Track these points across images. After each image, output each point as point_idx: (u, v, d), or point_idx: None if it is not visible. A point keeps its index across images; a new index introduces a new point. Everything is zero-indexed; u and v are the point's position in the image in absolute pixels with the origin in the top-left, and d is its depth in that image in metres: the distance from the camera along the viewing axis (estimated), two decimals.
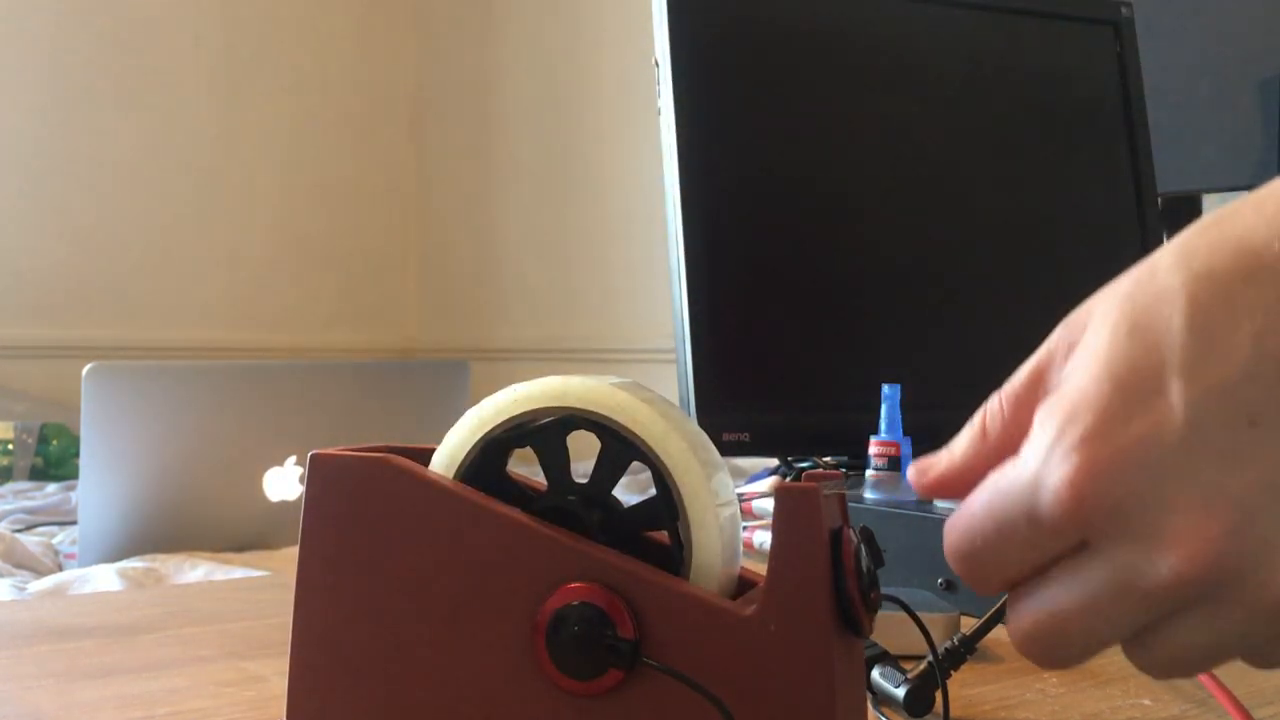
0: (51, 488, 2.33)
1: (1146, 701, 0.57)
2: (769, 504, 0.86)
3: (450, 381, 1.87)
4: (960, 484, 0.38)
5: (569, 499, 0.43)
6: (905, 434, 0.85)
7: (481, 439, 0.44)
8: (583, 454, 0.43)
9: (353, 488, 0.44)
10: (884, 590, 0.44)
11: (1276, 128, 1.53)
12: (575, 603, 0.41)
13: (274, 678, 0.60)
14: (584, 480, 0.44)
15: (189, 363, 2.90)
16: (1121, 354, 0.33)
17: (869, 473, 0.83)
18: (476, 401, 0.45)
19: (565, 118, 3.55)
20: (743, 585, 0.44)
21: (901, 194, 1.06)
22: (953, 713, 0.54)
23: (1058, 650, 0.35)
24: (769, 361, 1.00)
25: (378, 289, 3.91)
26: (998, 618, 0.52)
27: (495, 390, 0.44)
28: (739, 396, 0.96)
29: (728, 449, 0.93)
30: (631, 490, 1.52)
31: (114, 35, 3.49)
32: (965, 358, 1.05)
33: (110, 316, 3.46)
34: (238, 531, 1.66)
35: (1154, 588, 0.33)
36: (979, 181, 1.10)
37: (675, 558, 0.43)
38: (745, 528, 0.85)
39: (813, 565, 0.40)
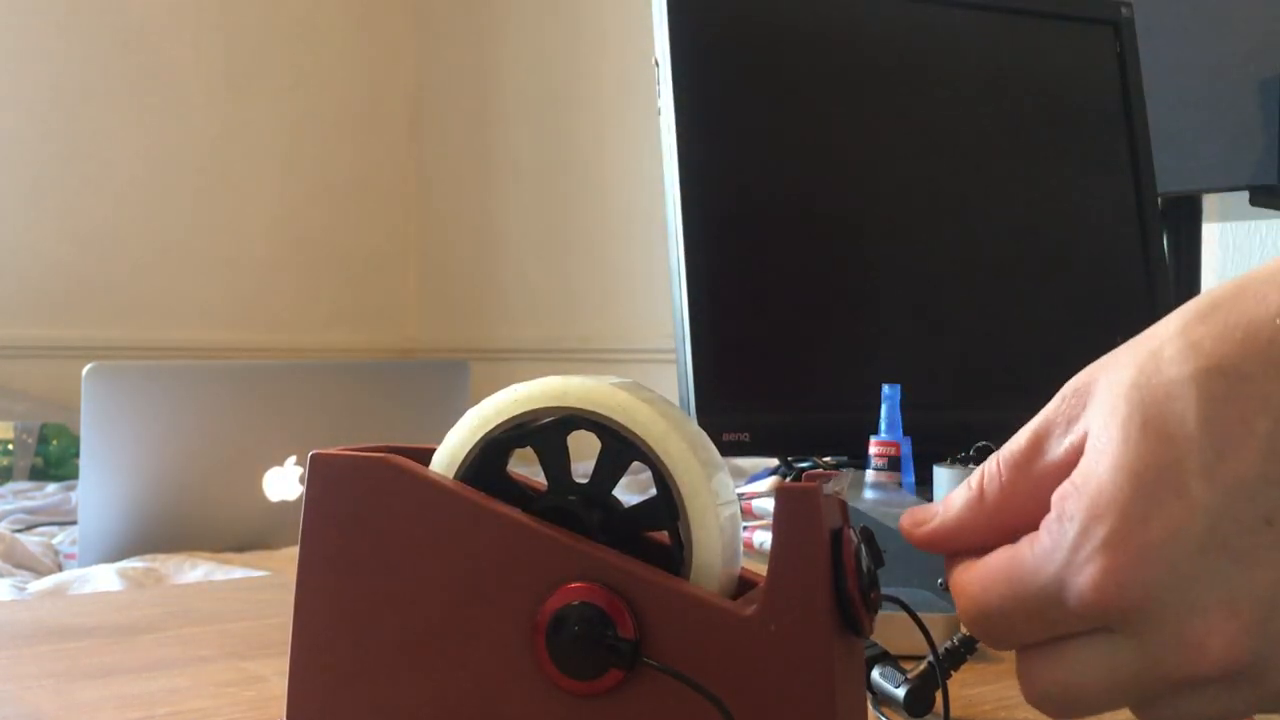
0: (51, 488, 2.33)
1: None
2: (769, 504, 0.86)
3: (450, 381, 1.87)
4: (953, 542, 0.40)
5: (569, 499, 0.43)
6: (905, 434, 0.85)
7: (482, 439, 0.44)
8: (583, 454, 0.43)
9: (353, 487, 0.44)
10: (884, 590, 0.44)
11: (1276, 128, 1.53)
12: (575, 602, 0.41)
13: (274, 678, 0.60)
14: (584, 480, 0.44)
15: (189, 363, 2.90)
16: (1136, 451, 0.34)
17: (869, 473, 0.83)
18: (476, 401, 0.45)
19: (565, 118, 3.55)
20: (743, 585, 0.44)
21: (901, 194, 1.06)
22: (953, 713, 0.54)
23: (1068, 710, 0.37)
24: (769, 361, 1.00)
25: (378, 289, 3.91)
26: None
27: (495, 390, 0.44)
28: (739, 396, 0.96)
29: (728, 449, 0.93)
30: (632, 490, 1.52)
31: (114, 35, 3.49)
32: (965, 358, 1.05)
33: (110, 316, 3.46)
34: (238, 531, 1.66)
35: (1174, 678, 0.34)
36: (978, 181, 1.09)
37: (676, 558, 0.43)
38: (745, 528, 0.85)
39: (813, 565, 0.40)
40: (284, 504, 1.66)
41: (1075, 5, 1.14)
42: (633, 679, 0.41)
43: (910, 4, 1.09)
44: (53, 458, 2.68)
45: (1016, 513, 0.38)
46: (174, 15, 3.57)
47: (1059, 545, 0.35)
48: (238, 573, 1.45)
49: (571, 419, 0.43)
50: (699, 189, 0.96)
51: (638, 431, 0.42)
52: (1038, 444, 0.38)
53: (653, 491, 0.43)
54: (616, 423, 0.43)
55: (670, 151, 0.97)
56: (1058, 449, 0.37)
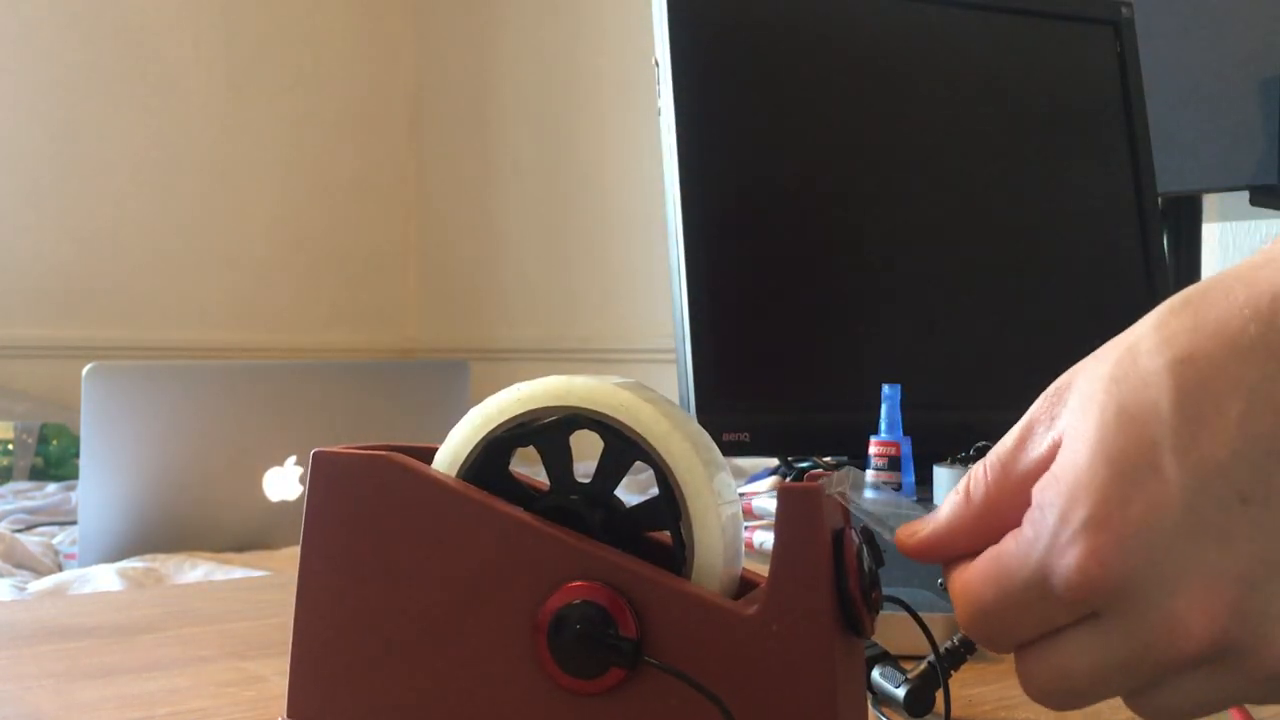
0: (51, 488, 2.33)
1: None
2: (770, 504, 0.86)
3: (450, 381, 1.87)
4: (946, 549, 0.40)
5: (571, 498, 0.43)
6: (905, 434, 0.85)
7: (484, 438, 0.44)
8: (585, 454, 0.43)
9: (355, 486, 0.44)
10: (885, 590, 0.44)
11: (1276, 128, 1.53)
12: (577, 601, 0.41)
13: (274, 678, 0.60)
14: (586, 480, 0.44)
15: (189, 363, 2.91)
16: (1112, 437, 0.35)
17: (869, 473, 0.83)
18: (476, 401, 0.45)
19: (565, 118, 3.55)
20: (744, 585, 0.44)
21: (901, 194, 1.06)
22: (953, 713, 0.54)
23: (1069, 703, 0.38)
24: (769, 361, 1.00)
25: (378, 289, 3.91)
26: None
27: (495, 390, 0.44)
28: (739, 396, 0.96)
29: (728, 449, 0.93)
30: (632, 490, 1.52)
31: (114, 35, 3.49)
32: (965, 358, 1.05)
33: (110, 316, 3.46)
34: (238, 531, 1.66)
35: (1160, 659, 0.35)
36: (979, 181, 1.10)
37: (677, 557, 0.43)
38: (746, 528, 0.85)
39: (815, 565, 0.40)
40: (284, 504, 1.66)
41: (1075, 5, 1.14)
42: (634, 678, 0.41)
43: (910, 4, 1.09)
44: (53, 458, 2.68)
45: (1004, 513, 0.38)
46: (174, 15, 3.57)
47: (1040, 534, 0.36)
48: (238, 573, 1.45)
49: (574, 418, 0.43)
50: (699, 189, 0.96)
51: (640, 431, 0.42)
52: (1021, 444, 0.38)
53: (654, 491, 0.43)
54: (619, 422, 0.43)
55: (670, 151, 0.97)
56: (1040, 446, 0.38)
